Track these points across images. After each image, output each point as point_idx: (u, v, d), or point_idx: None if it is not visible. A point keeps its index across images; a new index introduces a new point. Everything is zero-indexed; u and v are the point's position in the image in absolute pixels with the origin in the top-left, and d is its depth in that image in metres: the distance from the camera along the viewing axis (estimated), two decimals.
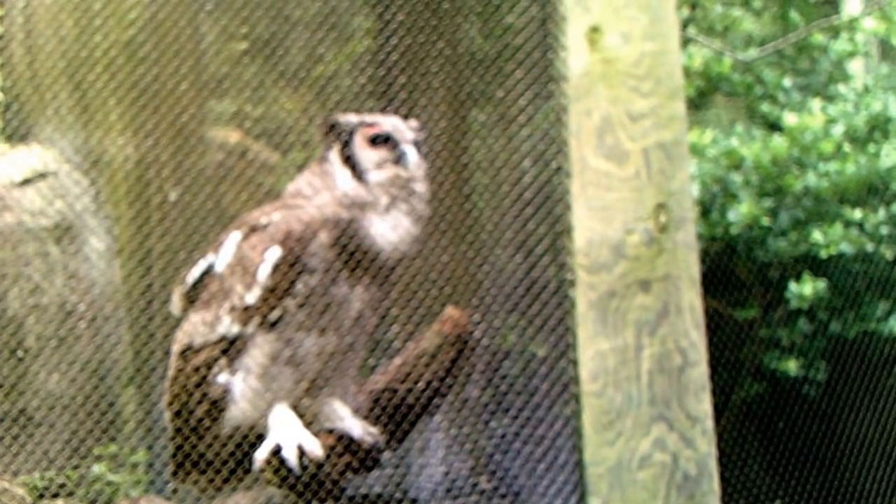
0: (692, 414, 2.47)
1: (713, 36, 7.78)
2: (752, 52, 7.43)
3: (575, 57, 2.45)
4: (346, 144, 2.63)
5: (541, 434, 2.64)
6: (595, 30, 2.46)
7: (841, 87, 7.33)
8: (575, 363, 2.47)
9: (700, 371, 2.50)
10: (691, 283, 2.47)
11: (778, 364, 6.80)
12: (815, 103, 7.13)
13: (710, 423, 2.51)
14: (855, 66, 8.04)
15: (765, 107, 7.41)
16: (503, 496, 2.92)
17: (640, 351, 2.45)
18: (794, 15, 7.61)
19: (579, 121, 2.44)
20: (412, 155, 2.59)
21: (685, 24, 7.52)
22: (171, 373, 2.70)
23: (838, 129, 6.75)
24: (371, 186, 2.61)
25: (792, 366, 6.73)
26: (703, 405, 2.49)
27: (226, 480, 2.66)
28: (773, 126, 7.26)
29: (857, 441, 6.83)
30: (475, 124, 2.73)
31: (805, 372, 6.79)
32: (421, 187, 2.62)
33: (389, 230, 2.59)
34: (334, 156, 2.64)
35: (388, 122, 2.64)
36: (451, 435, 2.98)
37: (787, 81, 7.48)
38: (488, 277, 2.67)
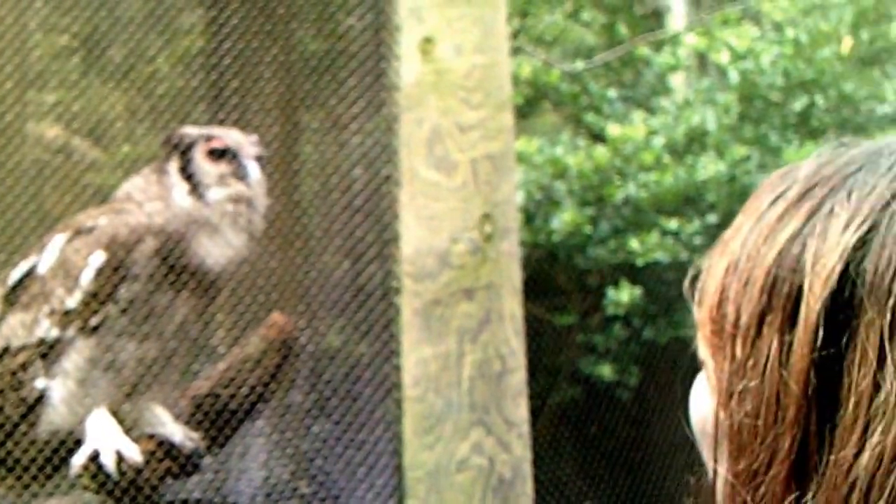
0: (509, 419, 2.58)
1: (542, 45, 7.99)
2: (580, 64, 7.66)
3: (408, 67, 2.53)
4: (186, 157, 2.62)
5: (362, 438, 2.71)
6: (428, 41, 2.54)
7: (663, 100, 7.57)
8: (398, 369, 2.55)
9: (518, 377, 2.61)
10: (513, 292, 2.58)
11: (593, 369, 6.98)
12: (638, 115, 7.40)
13: (525, 428, 2.63)
14: (676, 80, 8.38)
15: (590, 117, 7.65)
16: (322, 500, 2.97)
17: (462, 357, 2.55)
18: (620, 27, 7.87)
19: (410, 130, 2.52)
20: (254, 170, 2.60)
21: (515, 34, 7.72)
22: None
23: (659, 141, 6.97)
24: (208, 202, 2.62)
25: (606, 371, 6.90)
26: (520, 410, 2.61)
27: (42, 486, 2.63)
28: (598, 136, 7.49)
29: (665, 444, 7.16)
30: (307, 130, 2.77)
31: (619, 377, 6.97)
32: (260, 204, 2.64)
33: (219, 249, 2.61)
34: (173, 168, 2.64)
35: (231, 137, 2.64)
36: (273, 439, 3.01)
37: (612, 93, 7.71)
38: (315, 283, 2.73)
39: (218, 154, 2.64)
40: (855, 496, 0.72)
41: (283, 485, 2.95)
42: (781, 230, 0.80)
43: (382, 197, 2.59)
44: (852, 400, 0.73)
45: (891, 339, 0.73)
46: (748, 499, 0.79)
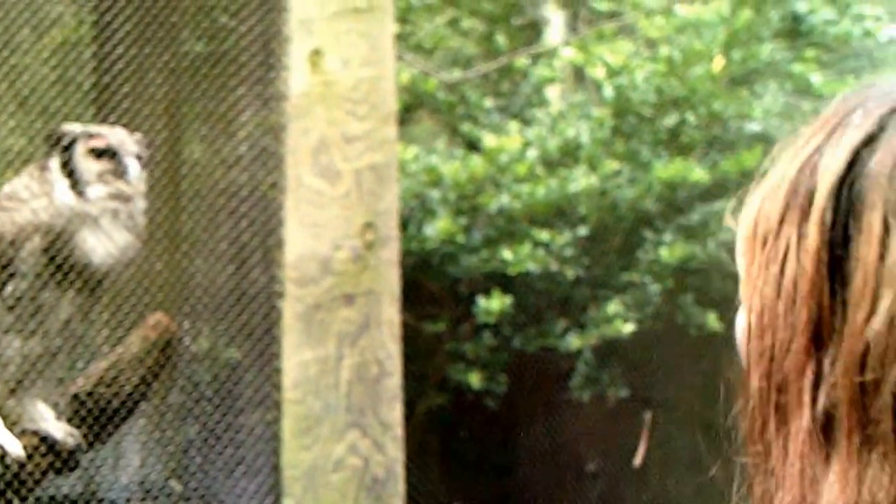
0: (385, 421, 2.72)
1: (421, 53, 8.15)
2: (457, 73, 7.83)
3: (296, 77, 2.65)
4: (67, 154, 2.68)
5: (241, 438, 2.81)
6: (317, 53, 2.66)
7: (538, 112, 7.76)
8: (279, 371, 2.66)
9: (394, 381, 2.75)
10: (392, 299, 2.72)
11: (462, 376, 7.08)
12: (514, 126, 7.62)
13: (399, 431, 2.77)
14: (553, 92, 8.62)
15: (466, 126, 7.83)
16: (201, 497, 3.06)
17: (341, 361, 2.68)
18: (499, 38, 8.06)
19: (297, 139, 2.64)
20: (134, 169, 2.67)
21: (395, 40, 7.88)
22: None
23: (533, 153, 7.15)
24: (89, 199, 2.69)
25: (475, 378, 7.01)
26: (395, 413, 2.75)
27: None
28: (474, 145, 7.70)
29: (530, 451, 7.38)
30: (195, 135, 2.86)
31: (487, 385, 7.09)
32: (141, 202, 2.72)
33: (102, 245, 2.68)
34: (55, 164, 2.70)
35: (113, 135, 2.71)
36: (153, 437, 3.09)
37: (489, 102, 7.92)
38: (199, 286, 2.82)
39: (99, 152, 2.71)
40: (870, 358, 0.82)
41: (159, 482, 3.04)
42: (806, 147, 0.92)
43: (268, 203, 2.70)
44: (860, 271, 0.84)
45: (894, 213, 0.84)
46: (775, 380, 0.88)
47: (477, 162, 7.04)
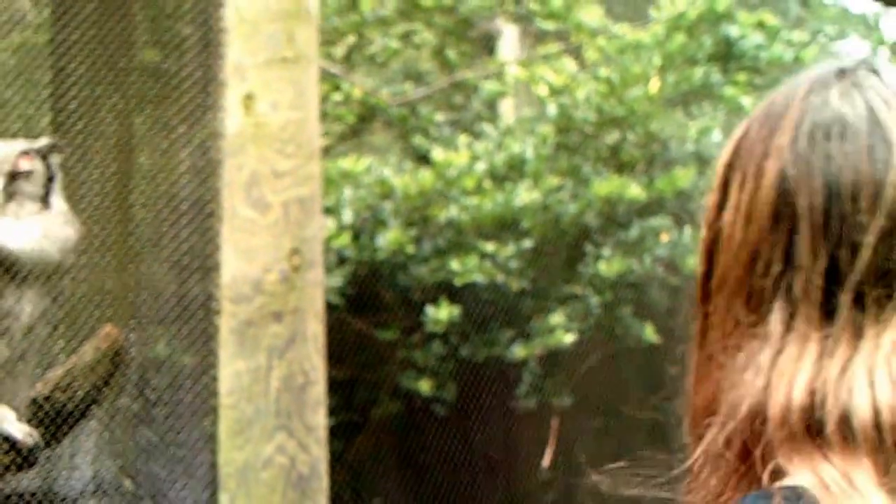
0: (309, 425, 3.13)
1: (374, 66, 8.51)
2: (408, 88, 8.19)
3: (231, 119, 3.06)
4: None
5: (182, 439, 3.22)
6: (249, 97, 3.08)
7: (486, 126, 8.11)
8: (215, 379, 3.07)
9: (318, 389, 3.17)
10: (316, 316, 3.13)
11: (412, 384, 7.45)
12: (463, 139, 7.94)
13: (323, 433, 3.18)
14: (505, 105, 8.98)
15: (417, 139, 8.19)
16: (150, 496, 3.47)
17: (271, 371, 3.09)
18: (451, 53, 8.38)
19: (232, 174, 3.05)
20: (30, 187, 2.98)
21: (350, 52, 8.23)
22: None
23: (481, 167, 7.50)
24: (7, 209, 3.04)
25: (425, 386, 7.38)
26: (319, 417, 3.16)
27: None
28: (425, 157, 8.02)
29: (477, 455, 7.71)
30: (141, 169, 3.27)
31: (436, 392, 7.45)
32: (58, 207, 3.05)
33: (28, 244, 3.03)
34: None
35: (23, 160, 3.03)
36: (103, 438, 3.49)
37: (440, 116, 8.29)
38: (146, 303, 3.22)
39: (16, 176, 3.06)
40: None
41: (109, 480, 3.43)
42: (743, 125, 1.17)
43: (206, 230, 3.11)
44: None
45: (741, 185, 1.08)
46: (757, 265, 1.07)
47: (426, 175, 7.38)
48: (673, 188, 7.24)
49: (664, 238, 7.27)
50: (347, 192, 7.33)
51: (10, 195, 2.99)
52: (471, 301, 7.41)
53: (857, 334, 1.03)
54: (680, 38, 7.35)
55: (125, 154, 3.18)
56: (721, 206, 1.12)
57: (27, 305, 3.07)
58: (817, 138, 1.07)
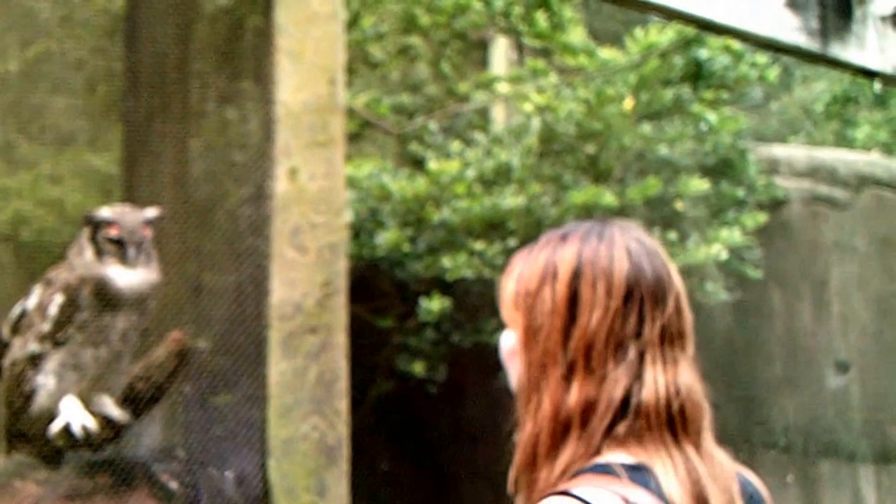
0: (336, 409, 4.50)
1: (374, 74, 9.57)
2: (406, 98, 9.23)
3: (280, 185, 4.43)
4: (95, 233, 4.35)
5: (242, 418, 4.60)
6: (293, 170, 4.44)
7: (478, 135, 9.19)
8: (266, 376, 4.46)
9: (343, 384, 4.55)
10: (342, 330, 4.51)
11: (407, 366, 8.49)
12: (456, 146, 8.96)
13: (345, 415, 4.56)
14: (496, 111, 9.94)
15: (413, 146, 9.27)
16: (200, 463, 4.85)
17: (307, 370, 4.47)
18: (445, 66, 9.44)
19: (279, 225, 4.42)
20: (132, 254, 4.27)
21: (350, 67, 9.35)
22: (3, 378, 4.46)
23: (471, 173, 8.50)
24: (106, 262, 4.36)
25: (418, 368, 8.44)
26: (343, 404, 4.54)
27: (49, 446, 4.45)
28: (420, 162, 9.05)
29: (465, 430, 8.80)
30: (215, 227, 4.64)
31: (429, 374, 8.49)
32: (151, 250, 4.38)
33: (130, 281, 4.36)
34: (85, 238, 4.36)
35: (125, 225, 4.27)
36: (166, 416, 4.88)
37: (434, 125, 9.37)
38: (214, 319, 4.60)
39: (112, 240, 4.38)
40: (598, 344, 1.92)
41: (168, 449, 4.81)
42: (542, 252, 2.07)
43: (262, 267, 4.48)
44: (582, 304, 1.96)
45: (593, 283, 2.02)
46: (542, 362, 1.96)
47: (421, 181, 8.38)
48: (643, 196, 8.33)
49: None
50: (349, 195, 8.09)
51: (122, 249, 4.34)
52: (461, 294, 8.36)
53: (668, 362, 1.95)
54: (654, 63, 8.39)
55: (205, 212, 4.55)
56: (574, 299, 1.99)
57: (120, 321, 4.43)
58: (636, 255, 2.00)
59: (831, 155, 11.28)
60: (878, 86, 8.25)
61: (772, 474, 9.80)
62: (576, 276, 1.99)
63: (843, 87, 13.89)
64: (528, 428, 1.99)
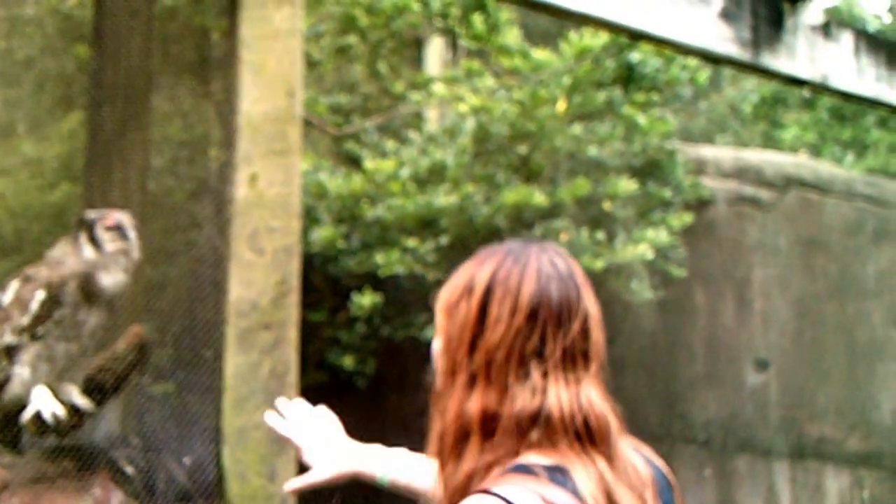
0: (288, 398, 5.03)
1: (311, 74, 9.96)
2: (342, 98, 9.69)
3: (240, 190, 4.95)
4: (91, 230, 4.87)
5: (198, 410, 5.12)
6: (253, 176, 4.96)
7: (413, 134, 9.67)
8: (222, 368, 4.98)
9: (293, 376, 5.09)
10: (293, 326, 5.04)
11: (337, 359, 8.99)
12: (392, 144, 9.43)
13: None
14: (432, 114, 10.44)
15: (350, 144, 9.73)
16: (155, 449, 5.37)
17: (261, 364, 5.00)
18: (381, 66, 9.90)
19: (239, 229, 4.94)
20: (132, 235, 4.85)
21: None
22: None
23: (406, 172, 9.01)
24: (105, 253, 4.89)
25: (348, 361, 8.96)
26: (293, 394, 5.07)
27: (13, 432, 4.93)
28: (356, 160, 9.53)
29: (393, 422, 9.19)
30: (177, 227, 5.15)
31: (358, 367, 9.00)
32: (136, 253, 4.94)
33: (112, 279, 4.90)
34: (82, 236, 4.88)
35: (115, 217, 4.83)
36: (123, 405, 5.38)
37: (370, 124, 9.84)
38: (172, 315, 5.11)
39: (112, 228, 4.92)
40: (499, 357, 2.14)
41: (122, 435, 5.31)
42: (466, 270, 2.34)
43: (220, 267, 5.00)
44: (491, 319, 2.17)
45: (501, 301, 2.29)
46: (453, 363, 2.23)
47: (357, 180, 8.88)
48: (573, 196, 8.87)
49: (563, 238, 8.78)
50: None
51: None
52: (392, 289, 8.87)
53: (570, 382, 2.17)
54: (586, 66, 8.91)
55: (167, 213, 5.06)
56: (483, 314, 2.18)
57: (93, 317, 4.92)
58: (545, 278, 2.20)
59: (758, 156, 11.89)
60: (807, 93, 8.76)
61: (690, 468, 10.48)
62: (488, 292, 2.20)
63: (771, 89, 14.56)
64: (436, 426, 2.21)
